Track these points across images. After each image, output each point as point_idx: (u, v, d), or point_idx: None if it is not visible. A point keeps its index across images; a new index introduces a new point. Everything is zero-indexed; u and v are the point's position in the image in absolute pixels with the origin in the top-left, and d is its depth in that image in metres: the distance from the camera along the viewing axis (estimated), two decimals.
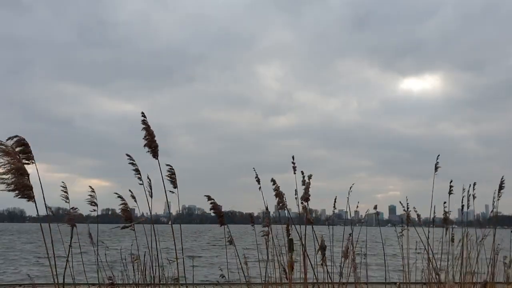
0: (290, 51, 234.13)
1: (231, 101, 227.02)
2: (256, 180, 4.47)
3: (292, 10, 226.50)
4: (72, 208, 3.99)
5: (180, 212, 3.94)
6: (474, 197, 5.49)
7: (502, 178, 5.29)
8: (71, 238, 3.27)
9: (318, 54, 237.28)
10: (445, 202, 5.37)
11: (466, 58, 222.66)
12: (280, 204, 4.15)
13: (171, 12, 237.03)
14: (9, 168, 2.71)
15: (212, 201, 4.05)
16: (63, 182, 4.27)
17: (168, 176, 3.62)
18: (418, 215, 5.51)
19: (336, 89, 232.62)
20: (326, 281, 4.65)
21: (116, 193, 4.00)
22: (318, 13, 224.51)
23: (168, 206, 4.02)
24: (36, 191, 2.77)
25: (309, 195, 4.03)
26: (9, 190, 2.71)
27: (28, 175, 2.76)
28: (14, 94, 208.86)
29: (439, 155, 5.10)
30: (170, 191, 3.62)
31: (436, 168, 5.09)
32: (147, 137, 3.44)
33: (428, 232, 5.33)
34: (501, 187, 5.30)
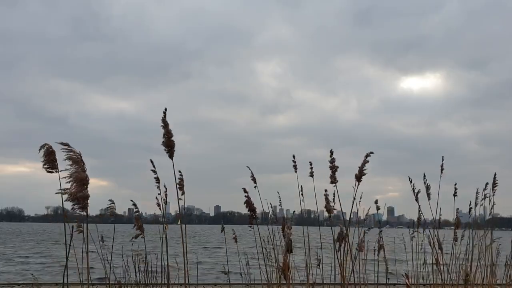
0: (289, 47, 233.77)
1: (228, 99, 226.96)
2: (252, 179, 4.38)
3: (292, 3, 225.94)
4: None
5: (179, 212, 3.93)
6: (485, 196, 5.50)
7: (494, 175, 5.28)
8: (71, 237, 3.27)
9: (317, 50, 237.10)
10: (458, 209, 5.40)
11: (469, 55, 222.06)
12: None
13: (167, 6, 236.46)
14: (74, 178, 2.72)
15: (246, 195, 3.98)
16: None
17: (178, 184, 3.61)
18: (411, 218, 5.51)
19: (336, 87, 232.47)
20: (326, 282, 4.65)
21: (132, 201, 4.02)
22: (318, 7, 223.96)
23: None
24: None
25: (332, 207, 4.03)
26: (69, 200, 2.72)
27: (87, 184, 2.77)
28: (6, 91, 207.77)
29: (443, 157, 5.10)
30: (179, 198, 3.64)
31: (441, 170, 5.09)
32: (165, 135, 3.42)
33: (437, 233, 5.33)
34: (494, 184, 5.30)
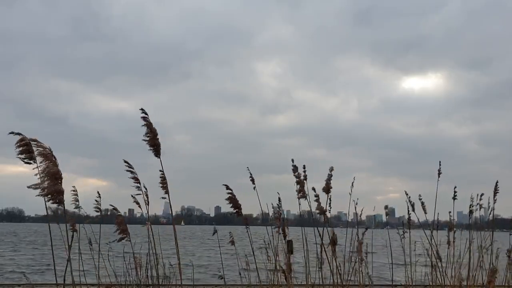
0: (289, 47, 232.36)
1: (228, 99, 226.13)
2: (251, 180, 4.37)
3: (292, 3, 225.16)
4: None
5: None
6: (481, 206, 5.53)
7: (496, 183, 5.29)
8: (72, 238, 3.28)
9: (318, 50, 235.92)
10: (450, 212, 5.41)
11: (469, 55, 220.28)
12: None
13: (167, 6, 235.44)
14: (45, 172, 2.65)
15: (230, 191, 3.92)
16: (73, 187, 4.48)
17: (160, 183, 3.53)
18: (411, 218, 5.49)
19: (336, 87, 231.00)
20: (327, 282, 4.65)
21: (112, 205, 4.03)
22: (318, 7, 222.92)
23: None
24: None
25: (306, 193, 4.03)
26: (42, 195, 2.65)
27: (61, 179, 2.71)
28: (6, 91, 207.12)
29: (440, 161, 5.12)
30: (162, 197, 3.57)
31: (439, 174, 5.11)
32: (148, 135, 3.35)
33: (432, 234, 5.33)
34: (495, 191, 5.31)
